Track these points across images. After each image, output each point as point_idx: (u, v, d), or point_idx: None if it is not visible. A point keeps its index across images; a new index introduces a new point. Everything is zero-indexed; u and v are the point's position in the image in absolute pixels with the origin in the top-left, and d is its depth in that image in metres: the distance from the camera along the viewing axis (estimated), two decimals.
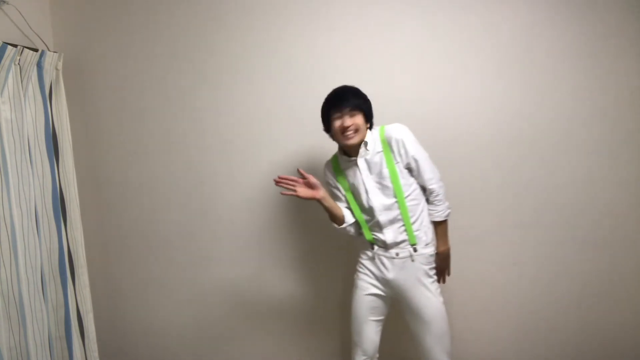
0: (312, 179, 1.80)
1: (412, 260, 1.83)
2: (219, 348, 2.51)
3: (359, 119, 1.77)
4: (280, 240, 2.38)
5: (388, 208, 1.82)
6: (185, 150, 2.40)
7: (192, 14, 2.32)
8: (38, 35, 2.25)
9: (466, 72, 2.24)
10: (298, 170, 1.81)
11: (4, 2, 2.06)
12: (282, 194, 1.80)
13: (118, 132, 2.43)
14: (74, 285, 2.34)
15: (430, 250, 1.87)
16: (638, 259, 2.28)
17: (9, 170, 1.97)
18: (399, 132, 1.81)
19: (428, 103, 2.26)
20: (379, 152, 1.82)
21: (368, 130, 1.84)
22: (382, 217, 1.82)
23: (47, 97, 2.22)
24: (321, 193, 1.83)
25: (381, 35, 2.25)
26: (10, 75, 2.00)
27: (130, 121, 2.42)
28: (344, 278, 2.31)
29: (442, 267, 1.95)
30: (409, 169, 1.83)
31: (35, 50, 2.14)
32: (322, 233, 2.25)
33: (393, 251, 1.83)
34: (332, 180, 1.94)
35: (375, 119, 2.18)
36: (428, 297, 1.83)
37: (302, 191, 1.80)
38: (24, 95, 2.08)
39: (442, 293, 2.29)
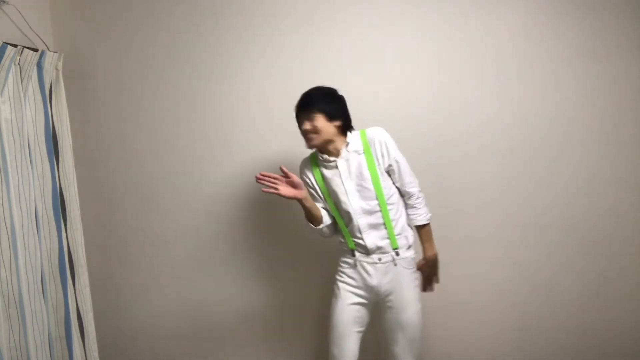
0: (295, 178, 1.79)
1: (395, 265, 1.82)
2: (218, 348, 2.51)
3: (318, 122, 1.77)
4: (280, 241, 2.38)
5: (368, 212, 1.81)
6: (185, 150, 2.40)
7: (192, 14, 2.32)
8: (38, 35, 2.25)
9: (466, 73, 2.24)
10: (281, 168, 1.79)
11: (4, 2, 2.06)
12: (263, 191, 1.77)
13: (118, 132, 2.43)
14: (74, 285, 2.34)
15: (411, 253, 1.87)
16: (638, 258, 2.28)
17: (9, 170, 1.97)
18: (381, 134, 1.83)
19: (428, 104, 2.26)
20: (360, 154, 1.82)
21: (343, 130, 1.83)
22: (361, 220, 1.81)
23: (47, 97, 2.22)
24: (304, 193, 1.82)
25: (380, 37, 2.25)
26: (10, 75, 2.00)
27: (130, 121, 2.42)
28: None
29: (430, 273, 1.95)
30: (389, 172, 1.85)
31: (35, 50, 2.14)
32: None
33: (375, 256, 1.82)
34: (309, 179, 1.91)
35: (373, 121, 2.18)
36: (408, 301, 1.83)
37: (285, 190, 1.78)
38: (24, 95, 2.08)
39: (442, 293, 2.30)
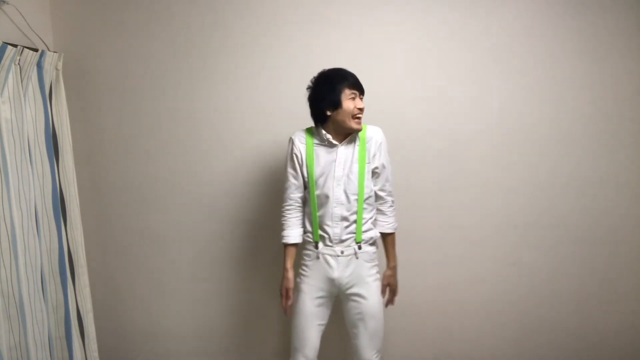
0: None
1: (357, 258, 1.85)
2: (218, 348, 2.51)
3: (364, 104, 1.82)
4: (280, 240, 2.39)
5: (345, 204, 1.82)
6: (185, 150, 2.40)
7: (192, 13, 2.32)
8: (38, 35, 2.25)
9: (466, 74, 2.24)
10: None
11: (4, 2, 2.06)
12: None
13: (118, 132, 2.43)
14: (74, 285, 2.33)
15: (373, 249, 1.90)
16: (637, 258, 2.28)
17: (9, 170, 1.97)
18: (381, 135, 1.87)
19: (427, 104, 2.27)
20: (356, 147, 1.84)
21: None
22: (336, 209, 1.82)
23: (47, 97, 2.22)
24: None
25: (380, 37, 2.25)
26: (10, 75, 1.99)
27: (130, 121, 2.42)
28: None
29: (393, 283, 1.98)
30: (373, 173, 1.87)
31: (35, 50, 2.14)
32: None
33: (338, 249, 1.84)
34: (297, 153, 1.88)
35: (373, 119, 2.18)
36: (369, 293, 1.86)
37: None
38: (24, 95, 2.08)
39: (442, 293, 2.30)
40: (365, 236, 1.86)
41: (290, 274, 1.90)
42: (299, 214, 1.92)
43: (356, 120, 1.80)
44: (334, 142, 1.84)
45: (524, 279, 2.32)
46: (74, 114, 2.39)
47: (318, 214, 1.85)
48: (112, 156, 2.46)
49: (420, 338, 2.39)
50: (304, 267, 1.91)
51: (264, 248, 2.39)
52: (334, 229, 1.83)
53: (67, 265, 2.28)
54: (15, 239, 1.98)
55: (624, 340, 2.34)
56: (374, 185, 1.89)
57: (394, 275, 1.98)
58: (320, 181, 1.84)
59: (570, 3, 2.19)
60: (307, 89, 1.88)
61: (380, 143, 1.86)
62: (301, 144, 1.88)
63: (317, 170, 1.84)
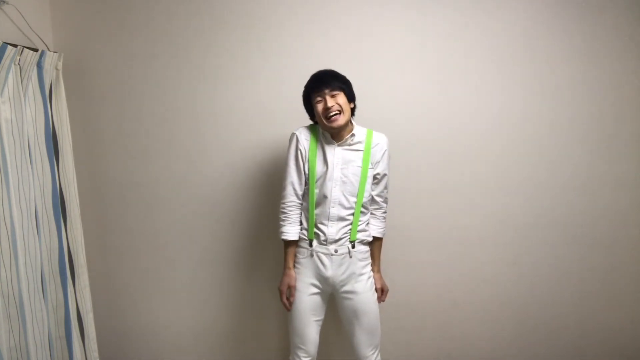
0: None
1: (350, 257, 1.86)
2: (218, 347, 2.51)
3: (341, 99, 1.78)
4: (280, 240, 2.38)
5: (343, 205, 1.83)
6: (185, 150, 2.40)
7: (192, 13, 2.32)
8: (38, 35, 2.25)
9: (466, 74, 2.24)
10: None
11: (4, 2, 2.06)
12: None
13: (118, 132, 2.43)
14: (74, 285, 2.33)
15: (366, 247, 1.92)
16: (637, 258, 2.28)
17: (9, 170, 1.97)
18: (386, 143, 1.89)
19: (427, 104, 2.27)
20: (359, 151, 1.84)
21: (352, 116, 1.87)
22: (334, 209, 1.83)
23: (47, 97, 2.22)
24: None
25: (380, 37, 2.25)
26: (10, 75, 1.99)
27: (130, 121, 2.42)
28: None
29: (384, 284, 1.99)
30: (374, 178, 1.89)
31: (35, 50, 2.14)
32: None
33: (332, 247, 1.85)
34: (301, 148, 1.87)
35: (374, 120, 2.18)
36: (363, 291, 1.87)
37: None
38: (24, 95, 2.08)
39: (442, 293, 2.30)
40: (359, 236, 1.88)
41: (293, 272, 1.90)
42: (299, 211, 1.92)
43: (329, 119, 1.78)
44: (333, 141, 1.85)
45: (524, 279, 2.32)
46: (74, 114, 2.39)
47: (315, 212, 1.86)
48: (112, 156, 2.46)
49: (420, 338, 2.39)
50: (297, 265, 1.92)
51: (264, 248, 2.39)
52: (330, 228, 1.84)
53: (67, 265, 2.28)
54: (15, 239, 1.98)
55: (624, 340, 2.34)
56: (373, 191, 1.91)
57: (381, 277, 2.00)
58: (320, 180, 1.84)
59: (569, 4, 2.19)
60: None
61: (385, 150, 1.89)
62: (305, 140, 1.88)
63: (318, 169, 1.85)
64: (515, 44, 2.21)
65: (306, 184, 1.89)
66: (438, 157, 2.29)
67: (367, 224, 1.93)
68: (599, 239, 2.28)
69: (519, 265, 2.31)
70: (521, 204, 2.28)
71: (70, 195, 2.32)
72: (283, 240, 1.92)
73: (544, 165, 2.26)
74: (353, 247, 1.87)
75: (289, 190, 1.89)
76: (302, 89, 1.89)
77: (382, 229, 1.97)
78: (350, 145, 1.85)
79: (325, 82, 1.79)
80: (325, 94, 1.78)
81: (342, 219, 1.84)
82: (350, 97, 1.84)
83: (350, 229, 1.86)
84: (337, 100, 1.78)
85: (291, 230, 1.90)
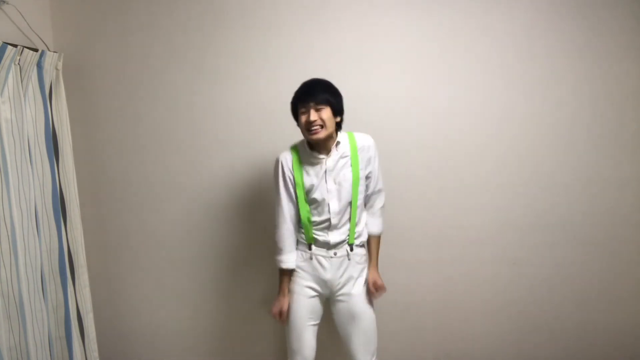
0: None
1: (349, 259, 1.86)
2: (218, 347, 2.51)
3: (325, 114, 1.76)
4: None
5: (341, 212, 1.84)
6: (185, 150, 2.40)
7: (192, 13, 2.32)
8: (38, 35, 2.25)
9: (466, 74, 2.24)
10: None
11: (4, 2, 2.06)
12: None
13: (118, 132, 2.43)
14: (74, 285, 2.33)
15: (364, 250, 1.92)
16: (638, 258, 2.28)
17: (9, 170, 1.97)
18: (372, 142, 1.88)
19: (427, 104, 2.27)
20: (346, 156, 1.84)
21: (338, 127, 1.83)
22: (334, 219, 1.83)
23: (47, 97, 2.22)
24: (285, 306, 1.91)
25: (380, 37, 2.25)
26: (10, 75, 1.99)
27: (130, 121, 2.42)
28: None
29: (380, 283, 1.93)
30: (366, 178, 1.88)
31: (35, 50, 2.14)
32: None
33: (331, 251, 1.85)
34: (288, 173, 1.86)
35: (374, 119, 2.18)
36: (358, 293, 1.87)
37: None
38: (24, 95, 2.08)
39: (443, 293, 2.30)
40: (357, 239, 1.88)
41: (287, 299, 1.90)
42: (294, 238, 1.91)
43: (310, 131, 1.76)
44: (320, 156, 1.83)
45: (524, 279, 2.32)
46: (74, 114, 2.39)
47: (312, 220, 1.86)
48: (112, 156, 2.46)
49: (420, 338, 2.39)
50: (296, 269, 1.91)
51: (264, 249, 2.39)
52: (332, 236, 1.85)
53: (67, 265, 2.28)
54: (15, 239, 1.98)
55: (624, 340, 2.34)
56: (366, 190, 1.91)
57: (378, 274, 1.96)
58: (313, 194, 1.83)
59: (570, 3, 2.19)
60: None
61: (370, 148, 1.87)
62: (288, 163, 1.87)
63: (307, 186, 1.84)
64: (515, 44, 2.21)
65: (298, 205, 1.87)
66: (438, 157, 2.29)
67: (364, 226, 1.93)
68: (600, 239, 2.28)
69: (519, 265, 2.31)
70: (521, 204, 2.28)
71: (70, 195, 2.32)
72: (280, 268, 1.91)
73: (544, 165, 2.26)
74: (352, 249, 1.87)
75: (282, 215, 1.88)
76: None
77: (380, 225, 1.97)
78: (337, 153, 1.83)
79: (311, 94, 1.76)
80: (310, 106, 1.75)
81: (340, 226, 1.85)
82: (337, 112, 1.80)
83: (348, 233, 1.86)
84: (321, 114, 1.75)
85: (289, 259, 1.89)
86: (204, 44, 2.33)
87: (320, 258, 1.86)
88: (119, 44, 2.38)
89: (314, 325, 1.92)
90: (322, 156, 1.84)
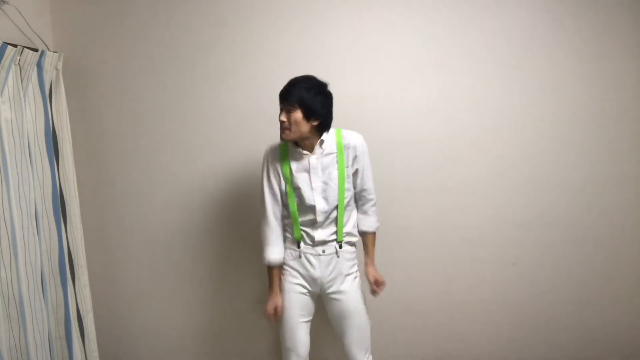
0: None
1: (338, 257, 1.86)
2: (217, 348, 2.51)
3: (295, 115, 1.74)
4: None
5: (328, 210, 1.83)
6: (185, 150, 2.40)
7: (192, 14, 2.32)
8: (38, 35, 2.25)
9: (466, 74, 2.24)
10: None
11: (4, 2, 2.06)
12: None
13: (118, 132, 2.43)
14: (74, 285, 2.33)
15: (353, 248, 1.91)
16: (638, 258, 2.28)
17: (9, 170, 1.97)
18: (359, 141, 1.85)
19: (427, 104, 2.27)
20: (332, 154, 1.83)
21: (320, 129, 1.80)
22: (320, 217, 1.83)
23: (47, 97, 2.22)
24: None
25: (380, 37, 2.25)
26: (10, 75, 1.99)
27: (130, 121, 2.42)
28: None
29: (380, 278, 1.92)
30: (354, 176, 1.87)
31: (35, 50, 2.14)
32: None
33: (319, 248, 1.85)
34: (276, 168, 1.87)
35: (374, 120, 2.18)
36: (350, 291, 1.87)
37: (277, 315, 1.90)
38: (24, 95, 2.08)
39: (443, 293, 2.30)
40: (346, 236, 1.88)
41: (279, 295, 1.90)
42: (280, 231, 1.91)
43: (281, 129, 1.78)
44: (303, 152, 1.83)
45: (524, 279, 2.32)
46: (74, 114, 2.39)
47: (299, 220, 1.86)
48: (112, 156, 2.46)
49: (420, 338, 2.39)
50: (286, 266, 1.92)
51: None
52: (318, 233, 1.85)
53: (67, 265, 2.28)
54: (15, 239, 1.98)
55: (624, 340, 2.34)
56: (355, 188, 1.90)
57: (376, 270, 1.95)
58: (299, 192, 1.83)
59: (570, 4, 2.19)
60: None
61: (357, 146, 1.84)
62: (275, 158, 1.87)
63: (295, 181, 1.84)
64: (515, 44, 2.21)
65: (284, 200, 1.88)
66: (438, 157, 2.29)
67: (354, 225, 1.92)
68: (599, 239, 2.28)
69: (519, 265, 2.31)
70: (521, 203, 2.28)
71: (70, 195, 2.32)
72: (266, 264, 1.91)
73: (544, 165, 2.26)
74: (340, 247, 1.87)
75: (267, 210, 1.88)
76: None
77: (372, 223, 1.94)
78: (322, 151, 1.83)
79: (285, 94, 1.76)
80: (282, 106, 1.77)
81: (328, 224, 1.85)
82: (310, 115, 1.74)
83: (336, 231, 1.86)
84: (290, 116, 1.74)
85: (274, 254, 1.89)
86: (204, 44, 2.33)
87: (309, 256, 1.87)
88: (119, 44, 2.38)
89: (307, 322, 1.92)
90: (305, 152, 1.83)
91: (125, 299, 2.54)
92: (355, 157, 1.85)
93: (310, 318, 1.94)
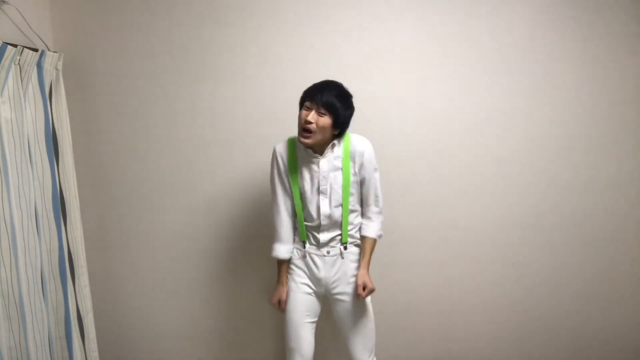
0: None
1: (342, 258, 1.87)
2: (217, 348, 2.51)
3: (324, 121, 1.72)
4: None
5: (332, 214, 1.83)
6: (185, 149, 2.40)
7: (192, 14, 2.32)
8: (38, 35, 2.25)
9: (467, 74, 2.24)
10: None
11: (4, 2, 2.06)
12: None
13: (118, 131, 2.43)
14: (74, 285, 2.33)
15: (357, 249, 1.90)
16: (638, 258, 2.28)
17: (9, 170, 1.97)
18: (367, 147, 1.84)
19: (428, 104, 2.27)
20: (338, 158, 1.82)
21: (337, 135, 1.80)
22: (324, 220, 1.83)
23: (47, 97, 2.22)
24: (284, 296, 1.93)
25: (381, 37, 2.25)
26: (10, 75, 1.99)
27: (130, 121, 2.42)
28: None
29: (369, 283, 1.86)
30: (361, 182, 1.86)
31: (35, 50, 2.13)
32: None
33: (324, 249, 1.86)
34: (282, 166, 1.86)
35: (374, 120, 2.17)
36: (355, 292, 1.86)
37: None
38: (24, 95, 2.08)
39: (443, 293, 2.29)
40: (351, 238, 1.88)
41: (285, 288, 1.91)
42: (291, 226, 1.92)
43: (303, 133, 1.74)
44: (315, 155, 1.82)
45: (524, 279, 2.32)
46: (74, 114, 2.39)
47: (305, 223, 1.87)
48: (112, 156, 2.46)
49: (420, 338, 2.39)
50: (292, 266, 1.92)
51: (264, 250, 2.38)
52: (322, 235, 1.86)
53: (67, 265, 2.28)
54: (15, 239, 1.98)
55: (624, 340, 2.34)
56: (362, 195, 1.89)
57: (369, 276, 1.88)
58: (305, 193, 1.84)
59: (571, 3, 2.19)
60: None
61: (364, 153, 1.83)
62: (284, 155, 1.87)
63: (301, 182, 1.84)
64: (517, 46, 2.21)
65: (293, 197, 1.88)
66: (438, 158, 2.29)
67: (359, 227, 1.91)
68: (600, 239, 2.28)
69: (519, 265, 2.31)
70: (521, 204, 2.28)
71: (70, 195, 2.32)
72: (276, 258, 1.93)
73: (544, 165, 2.26)
74: (345, 248, 1.87)
75: (278, 206, 1.89)
76: (304, 89, 1.89)
77: (374, 229, 1.89)
78: (331, 155, 1.82)
79: (323, 94, 1.72)
80: (315, 106, 1.73)
81: (332, 226, 1.85)
82: (338, 125, 1.75)
83: (341, 233, 1.86)
84: (319, 119, 1.72)
85: (284, 249, 1.91)
86: (204, 44, 2.33)
87: (314, 257, 1.87)
88: (119, 44, 2.38)
89: (312, 322, 1.92)
90: (315, 155, 1.83)
91: (125, 299, 2.54)
92: (361, 164, 1.83)
93: (316, 319, 1.94)
